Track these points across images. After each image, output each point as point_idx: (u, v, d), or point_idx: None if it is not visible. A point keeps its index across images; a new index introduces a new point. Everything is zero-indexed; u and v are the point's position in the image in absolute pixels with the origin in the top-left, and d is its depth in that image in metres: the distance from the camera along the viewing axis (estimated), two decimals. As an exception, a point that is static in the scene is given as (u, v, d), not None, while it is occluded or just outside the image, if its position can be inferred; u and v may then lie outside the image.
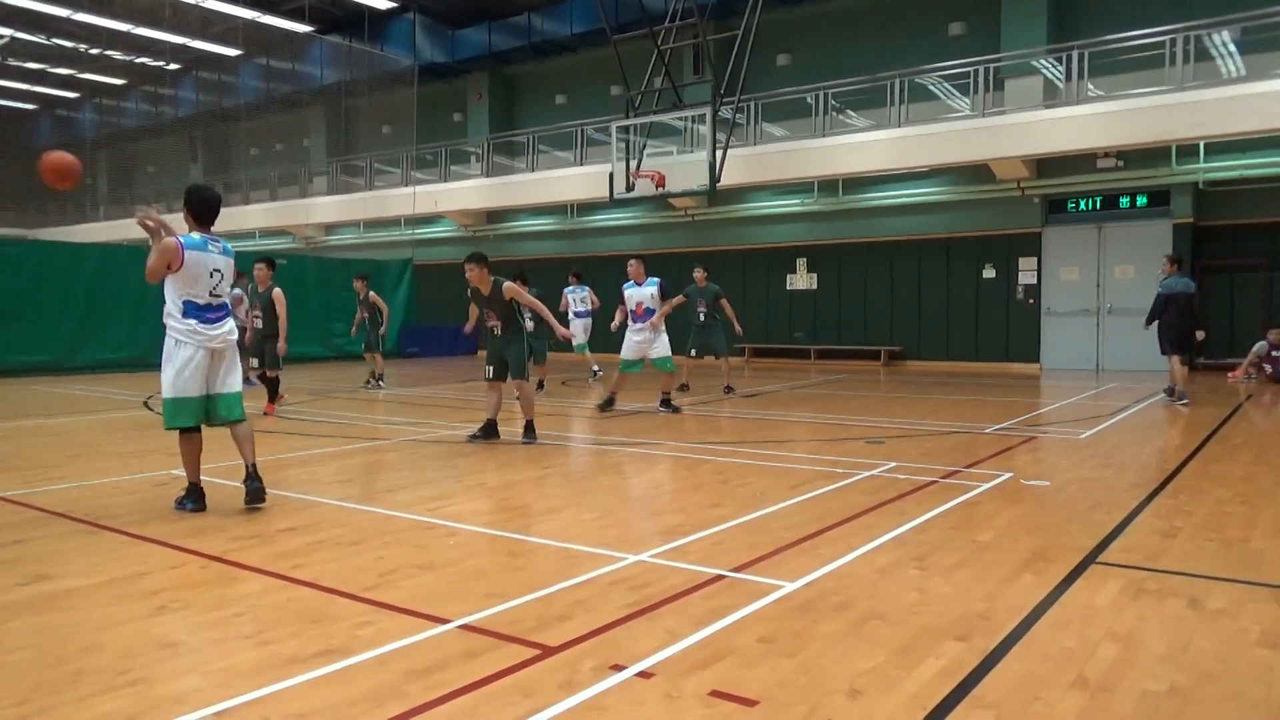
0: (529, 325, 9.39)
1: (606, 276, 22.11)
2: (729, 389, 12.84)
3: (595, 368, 15.80)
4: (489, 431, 8.60)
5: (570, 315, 14.91)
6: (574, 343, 12.69)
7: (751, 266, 21.01)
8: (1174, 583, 4.03)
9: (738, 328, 12.99)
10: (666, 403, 10.83)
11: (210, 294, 5.48)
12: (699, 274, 13.04)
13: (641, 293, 10.64)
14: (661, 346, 10.68)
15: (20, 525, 5.17)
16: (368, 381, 14.57)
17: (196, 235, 5.53)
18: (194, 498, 5.56)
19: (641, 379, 11.33)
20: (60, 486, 6.33)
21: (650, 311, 10.59)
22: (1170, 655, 3.18)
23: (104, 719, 2.68)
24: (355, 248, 28.15)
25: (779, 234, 20.74)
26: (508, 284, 8.30)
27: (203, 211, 5.63)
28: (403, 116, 26.38)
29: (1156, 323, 11.43)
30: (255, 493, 5.53)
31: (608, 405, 10.82)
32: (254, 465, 5.59)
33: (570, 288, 15.16)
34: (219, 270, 5.53)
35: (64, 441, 8.74)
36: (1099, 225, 17.35)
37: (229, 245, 5.76)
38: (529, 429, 8.56)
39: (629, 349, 10.68)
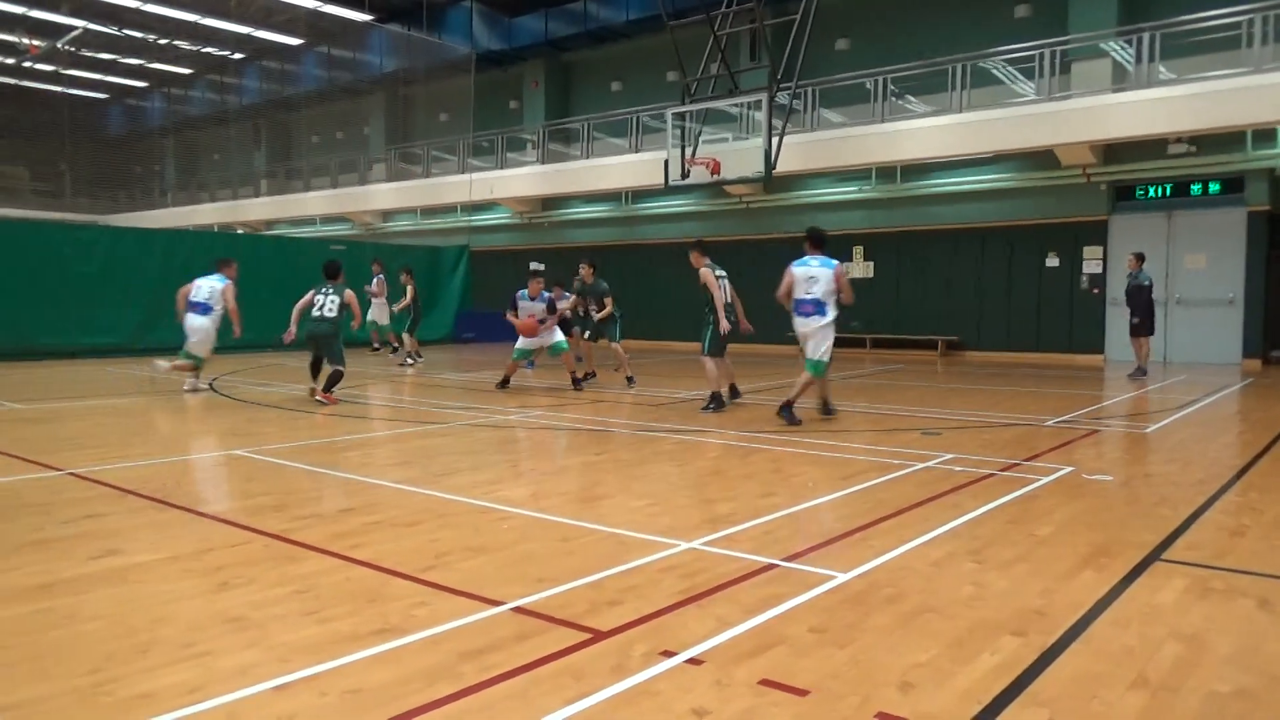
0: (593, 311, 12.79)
1: (660, 264, 22.16)
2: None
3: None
4: (728, 396, 9.97)
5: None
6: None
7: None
8: (1242, 582, 3.91)
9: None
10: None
11: (805, 291, 8.58)
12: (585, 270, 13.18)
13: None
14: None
15: (93, 501, 5.37)
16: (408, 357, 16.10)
17: (809, 256, 8.73)
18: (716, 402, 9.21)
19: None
20: (130, 464, 6.54)
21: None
22: (1237, 656, 3.09)
23: (171, 689, 2.77)
24: (412, 234, 28.53)
25: (835, 221, 20.44)
26: (703, 270, 9.69)
27: (814, 241, 8.87)
28: (460, 104, 26.63)
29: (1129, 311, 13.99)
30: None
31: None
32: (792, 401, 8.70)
33: (378, 276, 17.79)
34: (814, 277, 8.55)
35: (133, 421, 9.03)
36: (1169, 213, 16.82)
37: (828, 260, 8.65)
38: (714, 397, 9.64)
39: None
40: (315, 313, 10.45)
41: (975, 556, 4.25)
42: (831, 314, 8.57)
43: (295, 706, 2.67)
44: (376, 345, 18.60)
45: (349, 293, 10.57)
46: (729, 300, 9.76)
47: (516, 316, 11.52)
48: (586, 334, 13.28)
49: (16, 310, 15.92)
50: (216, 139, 36.14)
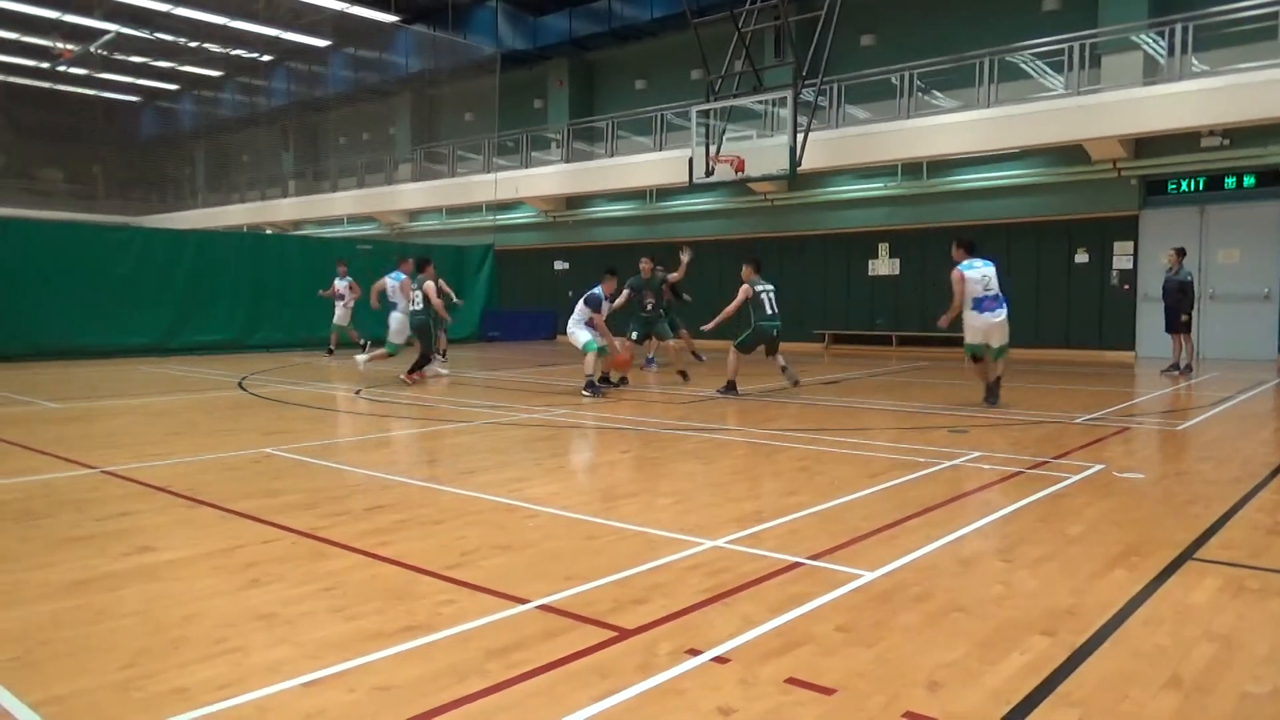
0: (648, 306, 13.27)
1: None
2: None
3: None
4: (730, 389, 10.74)
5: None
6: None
7: (832, 252, 20.70)
8: (1277, 581, 3.84)
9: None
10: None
11: (984, 289, 9.48)
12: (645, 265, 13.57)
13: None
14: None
15: (126, 499, 5.45)
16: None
17: (967, 260, 9.74)
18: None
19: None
20: (162, 463, 6.63)
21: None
22: (1274, 656, 3.04)
23: (203, 685, 2.81)
24: (438, 234, 28.70)
25: (860, 219, 20.36)
26: (744, 287, 10.62)
27: (966, 246, 9.89)
28: (485, 104, 26.75)
29: (1166, 306, 13.77)
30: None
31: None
32: (996, 381, 9.94)
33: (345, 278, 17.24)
34: (987, 275, 9.52)
35: (166, 420, 9.15)
36: (1202, 207, 16.56)
37: (987, 259, 9.71)
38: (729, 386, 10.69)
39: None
40: (412, 307, 12.00)
41: (1004, 555, 4.21)
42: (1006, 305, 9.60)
43: (324, 702, 2.69)
44: (332, 348, 17.39)
45: (427, 285, 11.85)
46: (770, 312, 10.74)
47: (600, 317, 11.46)
48: (634, 334, 13.25)
49: (52, 310, 16.19)
50: (245, 140, 36.56)
